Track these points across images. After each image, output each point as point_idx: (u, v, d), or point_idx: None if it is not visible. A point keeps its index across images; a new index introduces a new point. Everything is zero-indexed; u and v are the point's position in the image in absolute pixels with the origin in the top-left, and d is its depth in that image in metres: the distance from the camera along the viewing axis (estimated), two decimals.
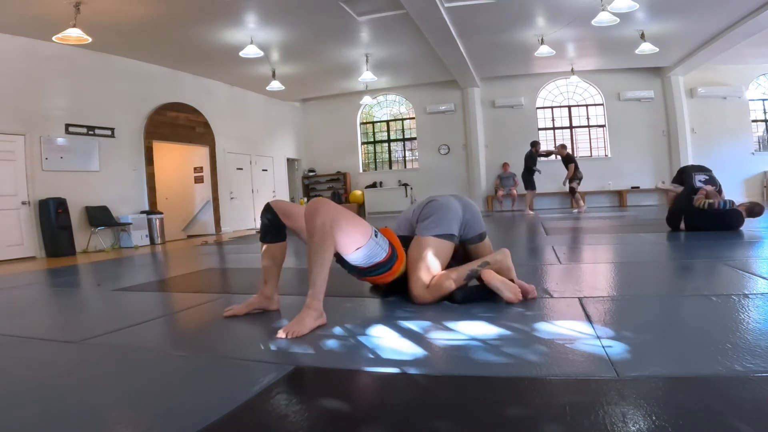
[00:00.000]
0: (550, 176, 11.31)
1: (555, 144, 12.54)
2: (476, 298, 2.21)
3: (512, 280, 2.23)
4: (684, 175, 5.20)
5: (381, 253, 2.13)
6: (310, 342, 1.78)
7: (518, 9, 7.69)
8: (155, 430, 1.15)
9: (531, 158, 10.25)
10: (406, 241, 2.30)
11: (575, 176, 10.13)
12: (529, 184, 10.35)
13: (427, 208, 2.32)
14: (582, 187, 11.76)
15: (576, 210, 10.18)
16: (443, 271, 2.25)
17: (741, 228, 4.72)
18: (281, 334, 1.83)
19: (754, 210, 4.85)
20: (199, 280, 3.78)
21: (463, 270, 2.23)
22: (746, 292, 2.19)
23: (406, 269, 2.25)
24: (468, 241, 2.39)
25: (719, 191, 4.92)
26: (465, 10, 7.55)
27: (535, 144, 10.37)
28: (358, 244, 2.06)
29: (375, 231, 2.14)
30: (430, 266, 2.21)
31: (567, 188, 10.51)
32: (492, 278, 2.17)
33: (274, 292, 2.28)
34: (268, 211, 2.20)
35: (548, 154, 10.83)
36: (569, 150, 10.74)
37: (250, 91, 11.78)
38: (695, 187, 4.94)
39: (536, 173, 10.26)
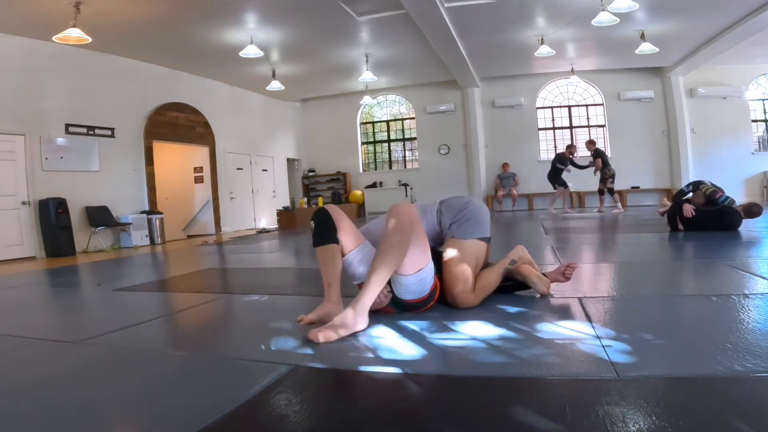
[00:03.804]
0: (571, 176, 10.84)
1: (555, 144, 12.55)
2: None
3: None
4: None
5: (431, 281, 2.03)
6: (310, 342, 1.78)
7: (518, 9, 7.68)
8: (155, 430, 1.15)
9: (562, 160, 10.05)
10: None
11: (607, 174, 9.74)
12: (560, 182, 10.11)
13: (465, 211, 2.21)
14: (582, 187, 11.74)
15: (617, 210, 9.57)
16: (482, 272, 2.22)
17: (739, 228, 4.73)
18: (321, 338, 1.74)
19: (752, 210, 4.86)
20: (199, 280, 3.78)
21: (499, 268, 2.25)
22: (746, 292, 2.19)
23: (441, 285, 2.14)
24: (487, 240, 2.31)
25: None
26: (465, 10, 7.55)
27: (570, 147, 10.20)
28: (422, 263, 1.96)
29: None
30: (475, 269, 2.15)
31: (596, 189, 10.14)
32: (530, 273, 2.31)
33: (339, 297, 2.00)
34: (323, 213, 2.06)
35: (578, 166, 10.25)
36: (597, 146, 10.29)
37: (250, 91, 11.77)
38: (685, 190, 5.15)
39: (564, 172, 10.05)
